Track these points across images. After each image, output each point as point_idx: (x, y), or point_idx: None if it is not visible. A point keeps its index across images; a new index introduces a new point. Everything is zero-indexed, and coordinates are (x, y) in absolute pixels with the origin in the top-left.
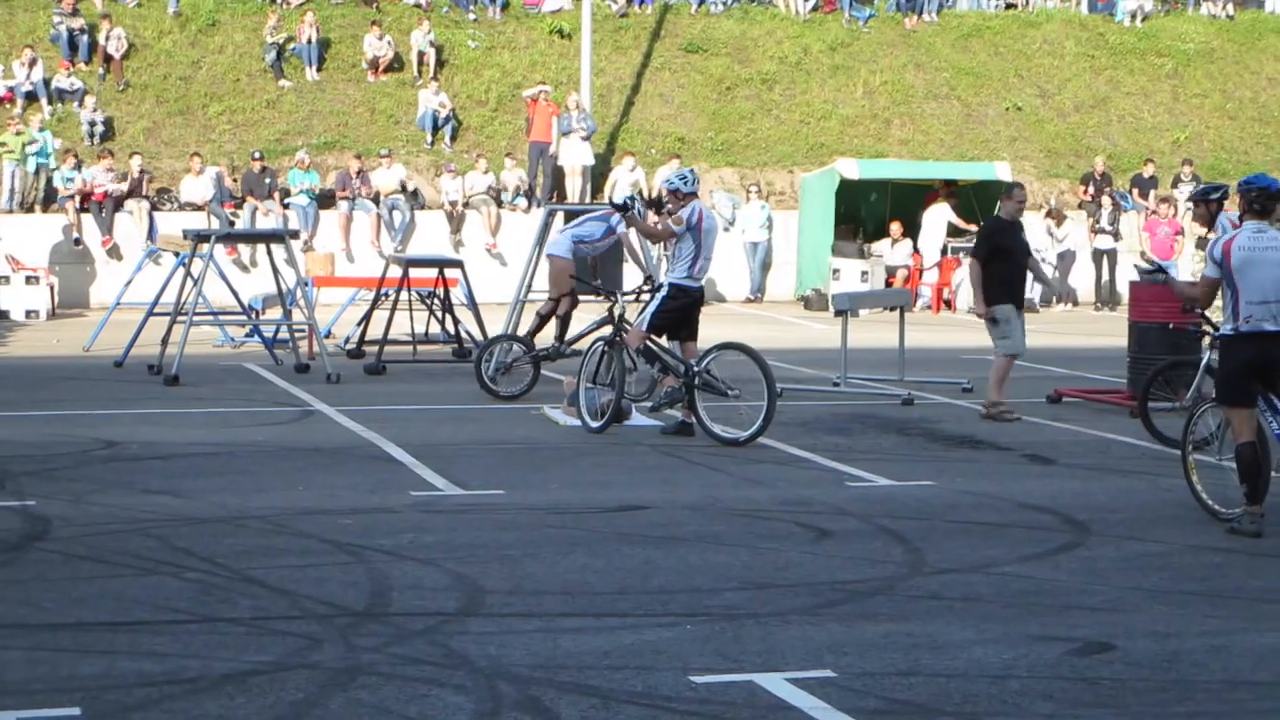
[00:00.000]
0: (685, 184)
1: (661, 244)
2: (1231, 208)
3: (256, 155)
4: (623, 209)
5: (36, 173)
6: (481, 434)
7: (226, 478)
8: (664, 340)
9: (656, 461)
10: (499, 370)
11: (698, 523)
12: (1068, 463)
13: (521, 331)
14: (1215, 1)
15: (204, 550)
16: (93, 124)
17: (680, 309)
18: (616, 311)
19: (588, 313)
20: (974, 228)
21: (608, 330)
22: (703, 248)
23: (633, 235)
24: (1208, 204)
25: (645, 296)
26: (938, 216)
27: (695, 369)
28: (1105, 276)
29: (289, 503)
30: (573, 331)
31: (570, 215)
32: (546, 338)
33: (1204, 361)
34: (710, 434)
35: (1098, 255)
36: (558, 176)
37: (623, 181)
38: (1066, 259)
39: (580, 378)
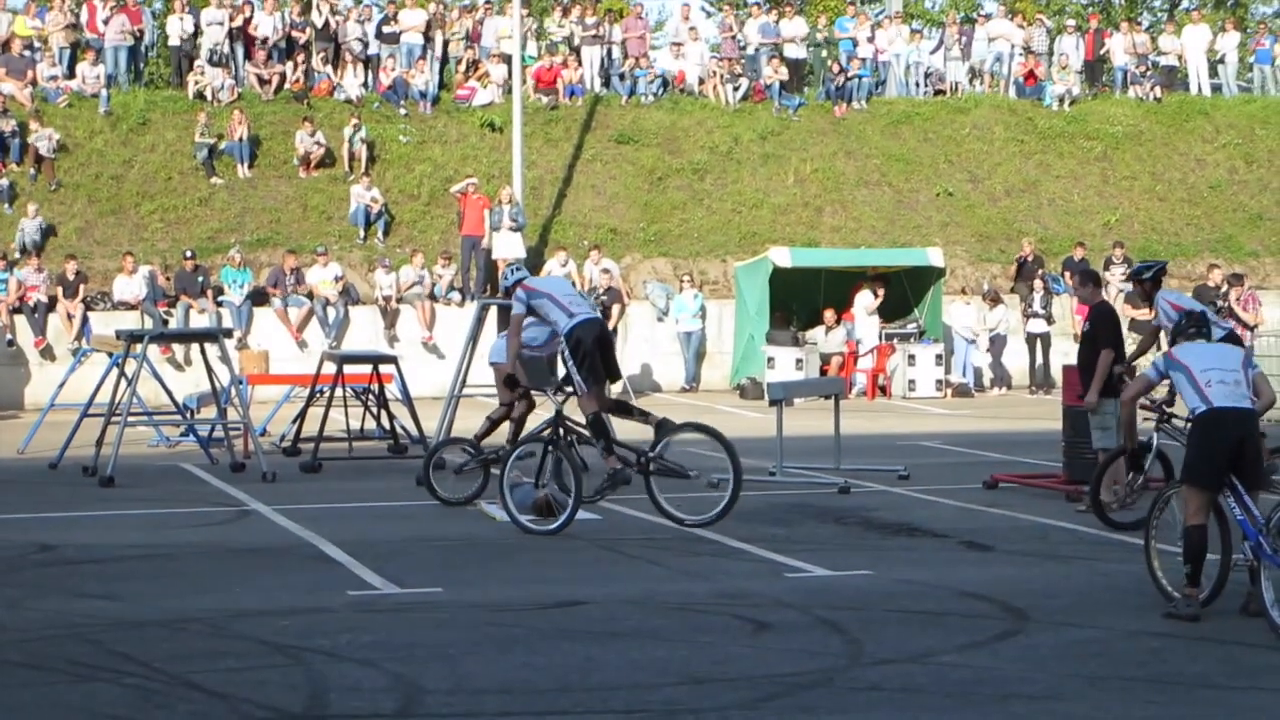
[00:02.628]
0: (505, 280)
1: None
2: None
3: (188, 254)
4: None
5: None
6: (418, 531)
7: (163, 580)
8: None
9: (594, 555)
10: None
11: (637, 617)
12: (1005, 549)
13: (459, 427)
14: (1142, 84)
15: (142, 654)
16: (37, 230)
17: (589, 348)
18: (555, 406)
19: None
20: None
21: (543, 430)
22: (553, 295)
23: None
24: (1142, 283)
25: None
26: (867, 303)
27: (649, 454)
28: (1039, 360)
29: (226, 605)
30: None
31: (502, 310)
32: (497, 438)
33: (1154, 445)
34: (670, 517)
35: (1031, 339)
36: (491, 270)
37: (555, 273)
38: (999, 343)
39: (506, 478)
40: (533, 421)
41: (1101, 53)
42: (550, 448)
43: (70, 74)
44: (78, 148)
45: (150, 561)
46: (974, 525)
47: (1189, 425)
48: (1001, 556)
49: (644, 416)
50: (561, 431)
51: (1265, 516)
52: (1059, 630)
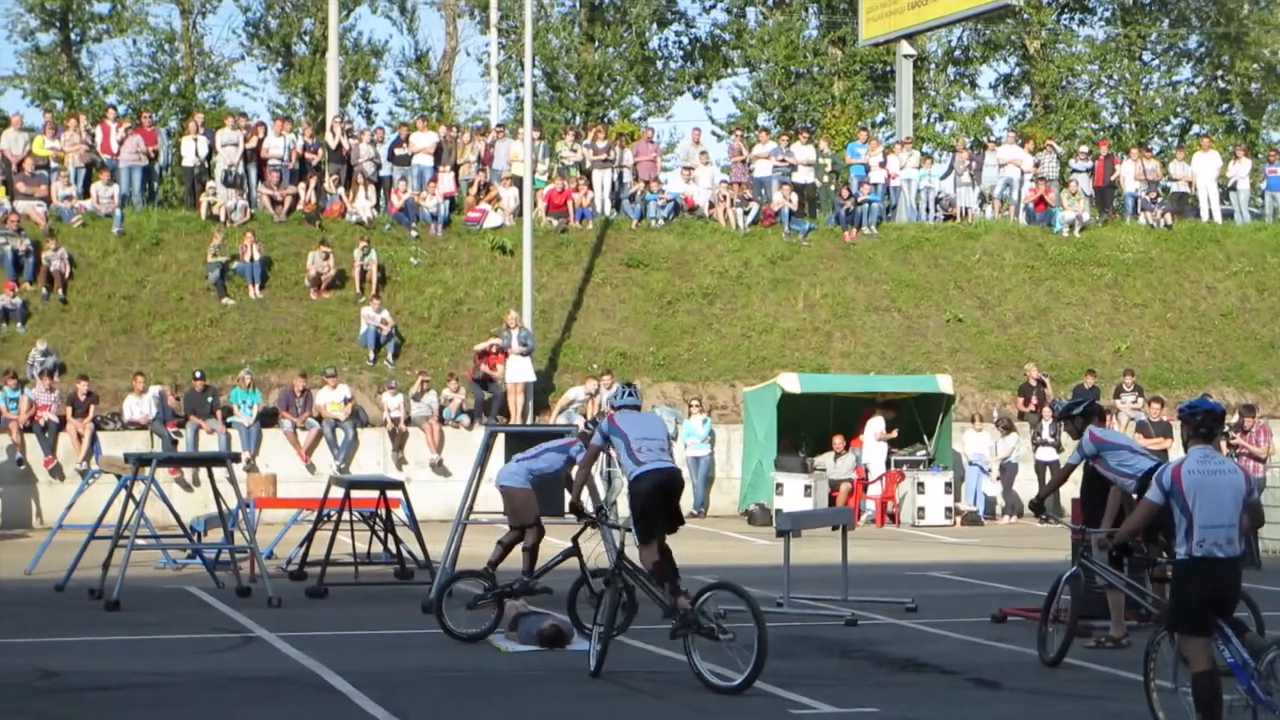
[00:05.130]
0: (614, 399)
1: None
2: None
3: (198, 375)
4: (586, 437)
5: None
6: (424, 661)
7: (165, 710)
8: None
9: (600, 689)
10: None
11: None
12: (1013, 686)
13: (464, 550)
14: (1153, 211)
15: None
16: (45, 354)
17: (649, 495)
18: (615, 541)
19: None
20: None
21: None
22: (630, 437)
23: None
24: (1071, 420)
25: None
26: (877, 430)
27: (688, 610)
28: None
29: None
30: (540, 563)
31: (511, 437)
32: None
33: (1063, 576)
34: (699, 676)
35: (1040, 467)
36: (503, 399)
37: (578, 399)
38: (1010, 470)
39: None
40: (545, 550)
41: (1112, 179)
42: (618, 583)
43: (85, 194)
44: (91, 267)
45: (153, 690)
46: (981, 660)
47: (1170, 566)
48: (1008, 694)
49: (675, 593)
50: (623, 567)
51: (1254, 658)
52: None
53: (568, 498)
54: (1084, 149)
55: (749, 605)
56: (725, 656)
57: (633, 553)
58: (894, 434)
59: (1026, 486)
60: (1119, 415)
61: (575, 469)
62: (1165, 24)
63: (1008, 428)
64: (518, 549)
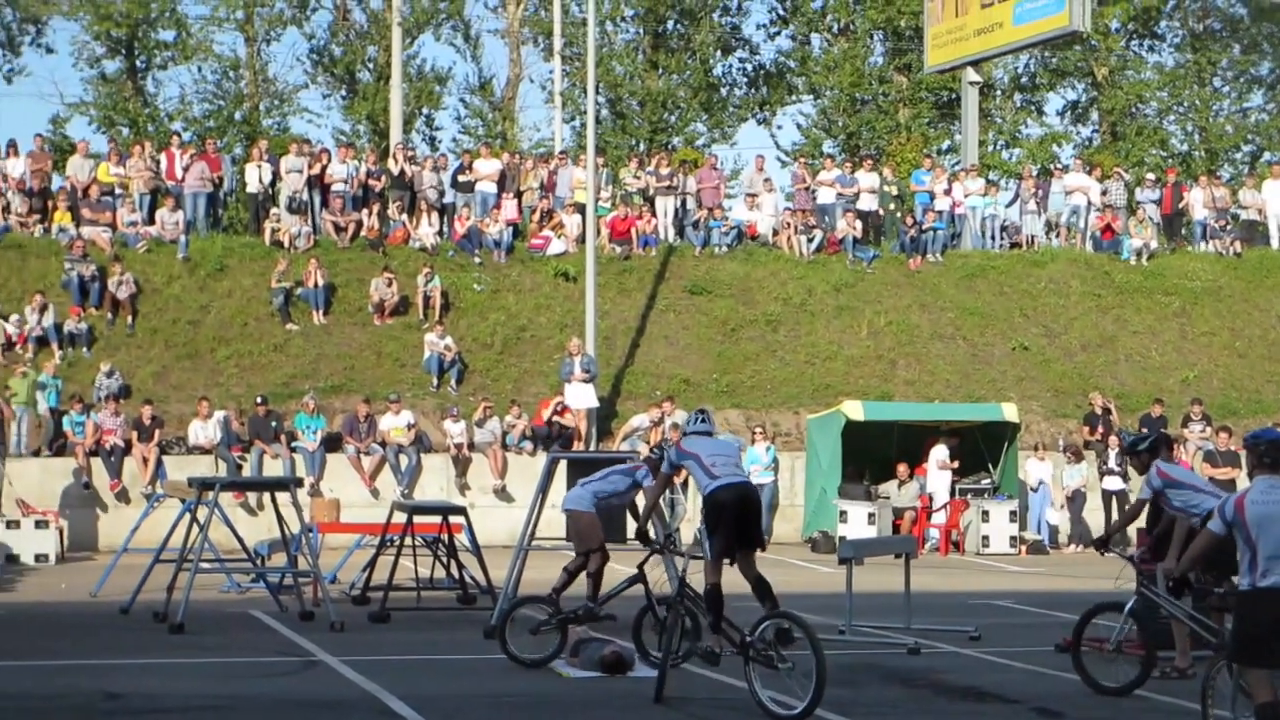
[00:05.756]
0: (687, 425)
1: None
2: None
3: (260, 400)
4: (656, 462)
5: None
6: (485, 686)
7: None
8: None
9: (660, 716)
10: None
11: None
12: (1077, 716)
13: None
14: (1222, 239)
15: None
16: (110, 375)
17: (721, 511)
18: (679, 568)
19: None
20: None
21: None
22: (701, 455)
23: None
24: (1137, 455)
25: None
26: (940, 458)
27: (751, 638)
28: (1115, 517)
29: None
30: (605, 589)
31: (573, 463)
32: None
33: (1128, 606)
34: (760, 705)
35: (1106, 496)
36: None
37: (641, 427)
38: (1078, 499)
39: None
40: (609, 576)
41: (1180, 206)
42: (680, 610)
43: (150, 220)
44: (155, 293)
45: (215, 713)
46: (1045, 690)
47: (1232, 597)
48: None
49: (773, 606)
50: (686, 594)
51: None
52: None
53: (631, 524)
54: (1152, 176)
55: (806, 633)
56: (786, 685)
57: (695, 580)
58: (956, 464)
59: (1095, 516)
60: (1186, 444)
61: (642, 494)
62: (1236, 50)
63: (1077, 455)
64: (582, 576)
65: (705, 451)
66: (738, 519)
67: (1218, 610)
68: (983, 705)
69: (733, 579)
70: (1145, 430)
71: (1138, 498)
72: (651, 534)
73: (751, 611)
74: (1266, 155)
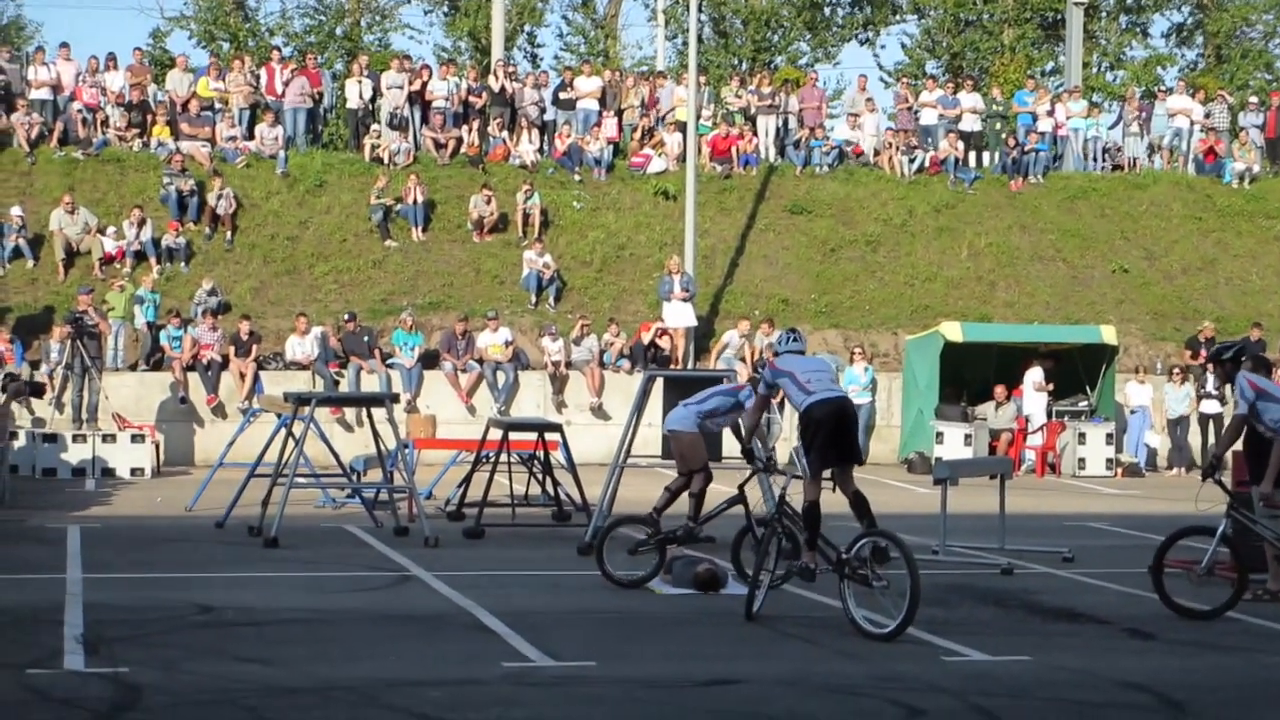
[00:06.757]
0: (778, 345)
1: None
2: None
3: (347, 317)
4: (756, 382)
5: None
6: (578, 602)
7: (318, 645)
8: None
9: (750, 632)
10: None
11: (790, 699)
12: (1168, 638)
13: (620, 496)
14: None
15: None
16: (210, 293)
17: (819, 429)
18: (778, 490)
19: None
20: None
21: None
22: (796, 372)
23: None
24: (1221, 364)
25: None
26: (1035, 380)
27: (847, 556)
28: (1212, 441)
29: (379, 673)
30: (706, 509)
31: (670, 382)
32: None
33: (1220, 530)
34: (853, 622)
35: (1204, 420)
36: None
37: (733, 344)
38: (1182, 423)
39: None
40: (712, 495)
41: None
42: (776, 528)
43: (249, 135)
44: (254, 208)
45: (308, 626)
46: (1137, 612)
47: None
48: (1163, 646)
49: (871, 523)
50: (784, 513)
51: None
52: None
53: (728, 444)
54: (1256, 100)
55: (903, 553)
56: (880, 603)
57: (794, 501)
58: (1051, 386)
59: (1195, 440)
60: None
61: (744, 415)
62: None
63: (1183, 376)
64: (684, 496)
65: (800, 369)
66: (834, 433)
67: None
68: (1075, 626)
69: (830, 499)
70: (1226, 346)
71: (1234, 414)
72: (755, 452)
73: (849, 531)
74: None
